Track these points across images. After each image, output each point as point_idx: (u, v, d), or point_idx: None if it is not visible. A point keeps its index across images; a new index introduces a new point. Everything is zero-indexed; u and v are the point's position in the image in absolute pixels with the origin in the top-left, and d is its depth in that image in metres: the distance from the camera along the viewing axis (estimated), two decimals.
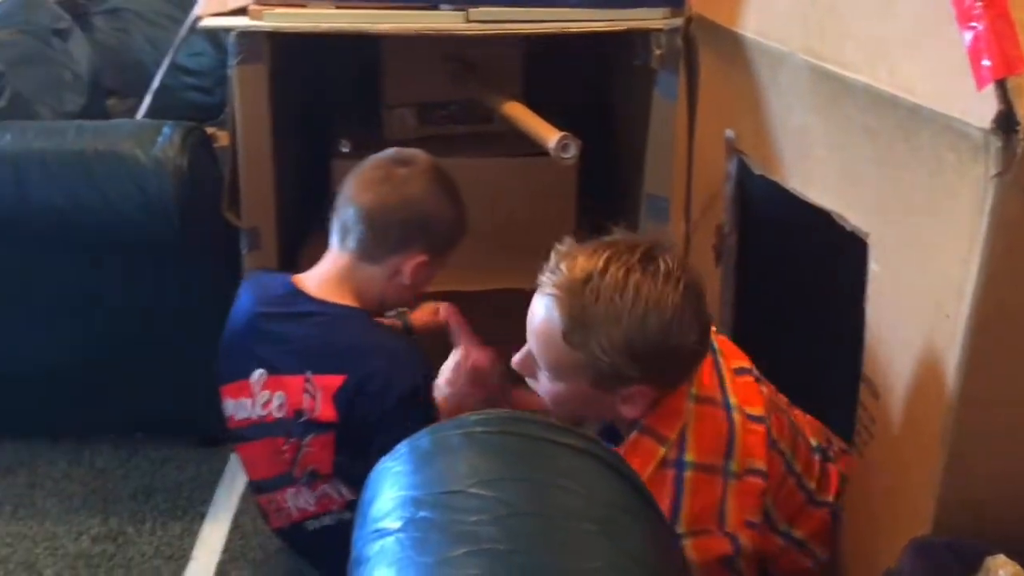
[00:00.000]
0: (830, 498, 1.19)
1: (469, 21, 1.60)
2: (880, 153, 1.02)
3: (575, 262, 1.05)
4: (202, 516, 1.74)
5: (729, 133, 1.44)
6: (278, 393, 1.34)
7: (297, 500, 1.38)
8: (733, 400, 1.13)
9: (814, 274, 1.36)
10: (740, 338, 1.29)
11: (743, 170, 1.42)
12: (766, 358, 1.24)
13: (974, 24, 0.81)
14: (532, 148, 1.93)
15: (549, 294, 1.06)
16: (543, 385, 1.12)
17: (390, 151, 1.43)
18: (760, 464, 1.11)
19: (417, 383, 1.30)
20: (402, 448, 0.83)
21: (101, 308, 1.73)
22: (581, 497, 0.78)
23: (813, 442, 1.23)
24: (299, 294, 1.37)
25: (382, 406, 1.27)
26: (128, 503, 1.76)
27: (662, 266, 1.03)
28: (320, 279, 1.38)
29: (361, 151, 1.94)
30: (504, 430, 0.81)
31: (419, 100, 2.03)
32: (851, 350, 1.14)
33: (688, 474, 1.07)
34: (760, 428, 1.12)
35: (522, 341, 1.13)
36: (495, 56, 1.94)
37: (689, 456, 1.08)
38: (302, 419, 1.32)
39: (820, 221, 1.20)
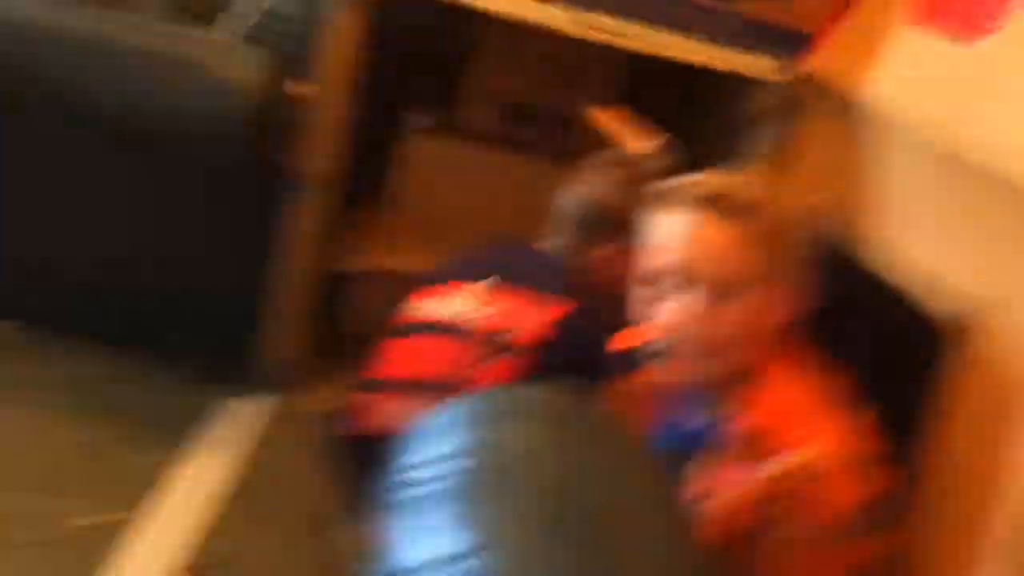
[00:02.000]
0: None
1: (579, 25, 1.57)
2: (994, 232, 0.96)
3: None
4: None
5: (825, 197, 1.39)
6: (490, 308, 1.35)
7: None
8: None
9: (879, 353, 1.30)
10: None
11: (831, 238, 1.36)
12: None
13: None
14: None
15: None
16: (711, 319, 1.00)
17: None
18: None
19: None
20: None
21: (151, 212, 1.69)
22: None
23: None
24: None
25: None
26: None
27: None
28: None
29: (435, 131, 1.95)
30: None
31: (506, 98, 2.00)
32: None
33: None
34: None
35: None
36: (594, 64, 1.90)
37: None
38: (505, 336, 1.32)
39: (893, 302, 1.15)
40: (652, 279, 1.02)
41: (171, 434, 1.67)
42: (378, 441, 1.18)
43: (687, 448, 1.06)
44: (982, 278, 0.98)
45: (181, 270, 1.74)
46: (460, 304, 1.39)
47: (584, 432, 0.78)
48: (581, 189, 1.54)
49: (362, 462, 1.27)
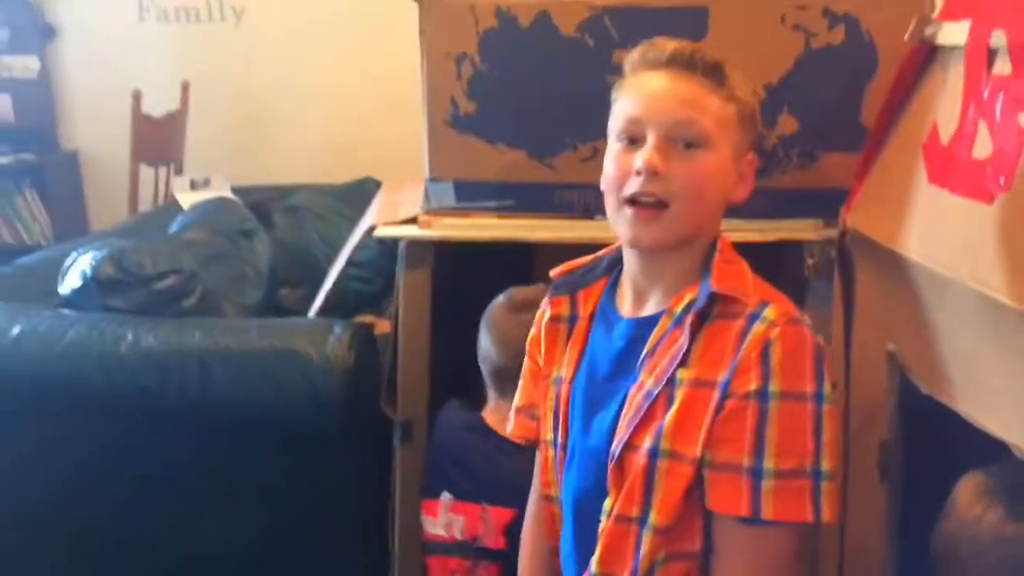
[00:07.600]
0: None
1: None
2: None
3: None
4: None
5: (891, 347, 1.42)
6: (459, 518, 1.49)
7: None
8: None
9: None
10: (907, 551, 1.23)
11: (906, 386, 1.38)
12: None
13: None
14: None
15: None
16: (687, 166, 1.09)
17: None
18: None
19: None
20: None
21: (262, 496, 1.80)
22: None
23: None
24: (487, 429, 1.53)
25: None
26: None
27: None
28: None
29: None
30: None
31: None
32: None
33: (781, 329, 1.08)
34: None
35: None
36: None
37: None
38: (476, 544, 1.46)
39: (994, 443, 1.15)
40: (630, 132, 1.11)
41: None
42: None
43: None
44: None
45: (300, 538, 1.83)
46: (436, 522, 1.54)
47: None
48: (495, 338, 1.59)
49: None
